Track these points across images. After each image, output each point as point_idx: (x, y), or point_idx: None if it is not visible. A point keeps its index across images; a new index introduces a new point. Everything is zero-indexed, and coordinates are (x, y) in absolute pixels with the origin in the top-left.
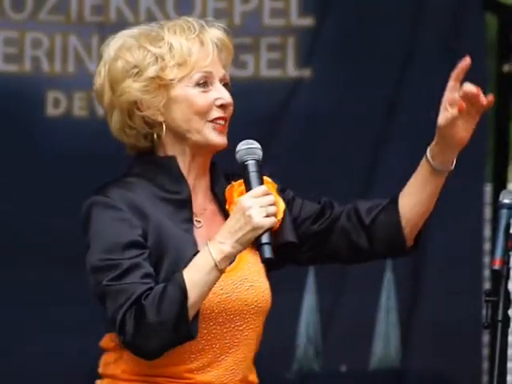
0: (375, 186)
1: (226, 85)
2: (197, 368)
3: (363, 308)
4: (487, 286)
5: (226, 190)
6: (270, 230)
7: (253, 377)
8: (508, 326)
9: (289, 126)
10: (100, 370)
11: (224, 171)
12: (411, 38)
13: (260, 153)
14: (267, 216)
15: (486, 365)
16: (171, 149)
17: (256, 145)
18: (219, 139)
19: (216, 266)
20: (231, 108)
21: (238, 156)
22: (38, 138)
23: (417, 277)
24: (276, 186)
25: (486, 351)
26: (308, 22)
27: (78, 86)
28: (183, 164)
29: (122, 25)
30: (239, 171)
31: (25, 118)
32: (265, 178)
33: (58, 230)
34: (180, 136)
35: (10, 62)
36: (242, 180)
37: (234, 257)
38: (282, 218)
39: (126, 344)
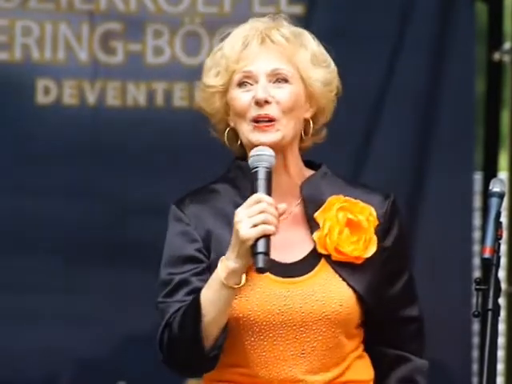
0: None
1: (281, 80)
2: (260, 377)
3: None
4: (477, 274)
5: (332, 197)
6: (267, 238)
7: (341, 379)
8: (498, 315)
9: None
10: None
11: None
12: (401, 26)
13: (272, 160)
14: (255, 226)
15: (476, 353)
16: (250, 152)
17: (269, 152)
18: (259, 137)
19: (223, 282)
20: (280, 102)
21: (249, 162)
22: (28, 126)
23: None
24: (379, 223)
25: (476, 340)
26: (298, 9)
27: (68, 74)
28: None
29: (111, 13)
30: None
31: (15, 106)
32: (369, 207)
33: (43, 215)
34: (243, 139)
35: (0, 50)
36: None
37: (242, 271)
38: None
39: (163, 362)
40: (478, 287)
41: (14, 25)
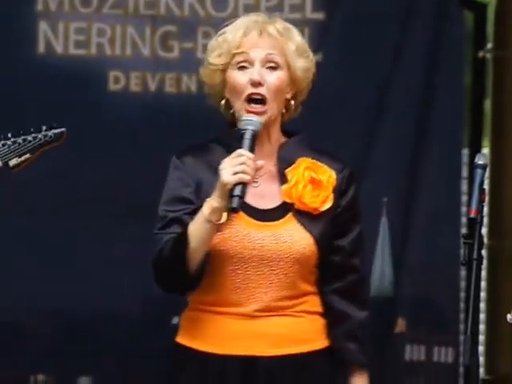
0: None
1: (274, 67)
2: (235, 302)
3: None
4: (464, 230)
5: (301, 159)
6: (243, 185)
7: (307, 307)
8: (481, 264)
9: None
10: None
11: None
12: (402, 31)
13: (258, 125)
14: (235, 173)
15: (462, 294)
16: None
17: (256, 119)
18: (248, 116)
19: (206, 218)
20: (270, 85)
21: (239, 125)
22: (102, 109)
23: (407, 224)
24: (336, 184)
25: (463, 283)
26: (320, 15)
27: (134, 67)
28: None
29: (169, 17)
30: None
31: (91, 92)
32: (331, 171)
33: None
34: (236, 112)
35: (80, 48)
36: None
37: (222, 209)
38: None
39: (155, 281)
40: (465, 241)
41: (90, 27)
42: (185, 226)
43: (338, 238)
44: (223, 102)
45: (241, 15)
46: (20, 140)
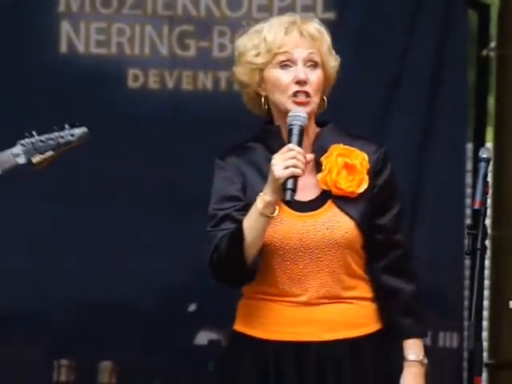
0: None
1: (313, 65)
2: (287, 292)
3: None
4: (469, 221)
5: (333, 146)
6: (295, 178)
7: (358, 293)
8: (485, 253)
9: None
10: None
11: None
12: (410, 30)
13: (305, 121)
14: (286, 168)
15: (466, 282)
16: (277, 119)
17: (303, 114)
18: (298, 109)
19: (260, 212)
20: (312, 83)
21: (287, 120)
22: (121, 105)
23: (414, 214)
24: (370, 166)
25: (467, 272)
26: (331, 15)
27: (153, 65)
28: (285, 130)
29: (186, 17)
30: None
31: (111, 89)
32: (363, 154)
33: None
34: (276, 108)
35: (101, 47)
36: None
37: (275, 203)
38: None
39: (212, 276)
40: (469, 231)
41: (110, 27)
42: (235, 222)
43: (378, 217)
44: (263, 99)
45: (254, 15)
46: (44, 138)
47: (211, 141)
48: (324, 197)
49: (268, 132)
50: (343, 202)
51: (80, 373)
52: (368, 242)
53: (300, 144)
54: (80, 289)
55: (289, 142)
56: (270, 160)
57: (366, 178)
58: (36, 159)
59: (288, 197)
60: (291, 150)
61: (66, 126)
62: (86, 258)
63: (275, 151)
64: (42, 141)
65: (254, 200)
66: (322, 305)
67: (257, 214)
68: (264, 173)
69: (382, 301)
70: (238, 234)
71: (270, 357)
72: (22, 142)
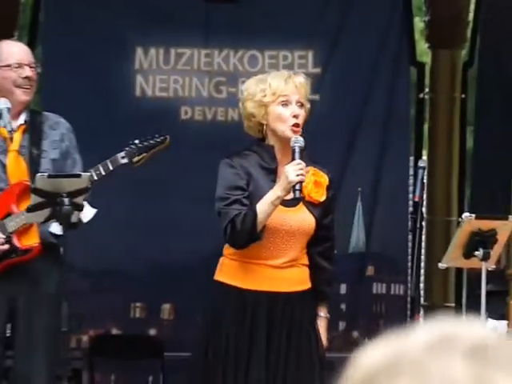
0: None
1: (301, 105)
2: (268, 256)
3: (345, 220)
4: (411, 209)
5: (308, 167)
6: (301, 183)
7: (303, 261)
8: (422, 231)
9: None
10: (223, 252)
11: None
12: (370, 82)
13: (302, 143)
14: (297, 175)
15: (409, 251)
16: (271, 140)
17: (302, 139)
18: (291, 135)
19: (271, 202)
20: (302, 117)
21: (291, 143)
22: (175, 131)
23: (373, 205)
24: (328, 184)
25: (410, 244)
26: (318, 70)
27: (198, 104)
28: (277, 149)
29: (220, 72)
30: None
31: (169, 121)
32: (323, 173)
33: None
34: (275, 133)
35: (162, 92)
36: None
37: (283, 198)
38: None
39: (227, 243)
40: (411, 216)
41: (169, 78)
42: (243, 205)
43: (324, 218)
44: (265, 126)
45: (266, 70)
46: (140, 143)
47: None
48: (298, 199)
49: (263, 147)
50: (310, 205)
51: (149, 311)
52: (314, 233)
53: (302, 159)
54: (148, 254)
55: (293, 158)
56: (261, 166)
57: (325, 192)
58: (135, 159)
59: (297, 195)
60: (299, 163)
61: (156, 135)
62: (152, 233)
63: (266, 161)
64: (138, 146)
65: (256, 191)
66: (287, 268)
67: (269, 202)
68: (259, 173)
69: (313, 272)
70: (254, 212)
71: (248, 301)
72: (126, 148)
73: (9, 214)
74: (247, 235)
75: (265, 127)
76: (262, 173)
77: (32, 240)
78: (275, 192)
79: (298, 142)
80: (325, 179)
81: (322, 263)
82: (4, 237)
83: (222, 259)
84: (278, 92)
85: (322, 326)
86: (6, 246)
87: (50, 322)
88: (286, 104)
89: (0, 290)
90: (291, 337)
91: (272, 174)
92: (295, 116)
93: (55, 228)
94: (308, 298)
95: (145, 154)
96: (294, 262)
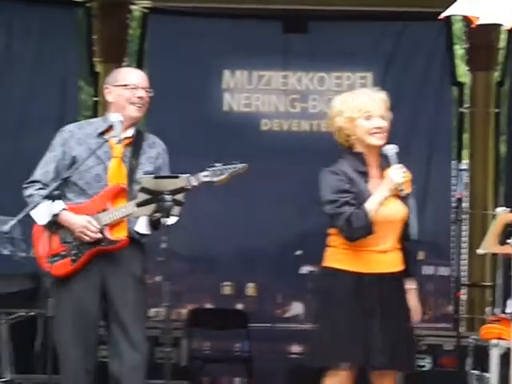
0: None
1: (382, 117)
2: (374, 244)
3: None
4: (454, 204)
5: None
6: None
7: (400, 246)
8: (461, 222)
9: None
10: (328, 244)
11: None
12: (418, 98)
13: (397, 149)
14: (401, 177)
15: (452, 238)
16: (360, 147)
17: (393, 145)
18: (376, 142)
19: (379, 202)
20: (384, 127)
21: (384, 151)
22: (256, 140)
23: (423, 202)
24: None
25: (452, 233)
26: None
27: (276, 117)
28: (366, 155)
29: (294, 90)
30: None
31: (251, 131)
32: (408, 173)
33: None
34: (361, 141)
35: (246, 107)
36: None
37: (388, 197)
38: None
39: (345, 237)
40: (454, 210)
41: (251, 96)
42: (352, 206)
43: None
44: (354, 137)
45: (332, 88)
46: (222, 167)
47: (308, 161)
48: (404, 196)
49: (354, 154)
50: (399, 198)
51: (236, 289)
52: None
53: (398, 163)
54: (236, 242)
55: (389, 163)
56: (356, 170)
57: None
58: (216, 179)
59: (403, 193)
60: (401, 167)
61: (235, 162)
62: (240, 226)
63: (359, 166)
64: (220, 169)
65: (359, 191)
66: (389, 252)
67: (377, 201)
68: (356, 176)
69: (402, 253)
70: (366, 211)
71: (364, 281)
72: (208, 168)
73: (104, 211)
74: (364, 231)
75: (353, 137)
76: (357, 176)
77: (121, 233)
78: (382, 194)
79: (391, 148)
80: (408, 175)
81: (406, 245)
82: (99, 227)
83: (331, 250)
84: (363, 107)
85: (413, 298)
86: (99, 235)
87: (138, 297)
88: (369, 117)
89: (93, 272)
90: (399, 306)
91: (365, 176)
92: (380, 128)
93: (141, 228)
94: (403, 276)
95: (225, 176)
96: (393, 247)
